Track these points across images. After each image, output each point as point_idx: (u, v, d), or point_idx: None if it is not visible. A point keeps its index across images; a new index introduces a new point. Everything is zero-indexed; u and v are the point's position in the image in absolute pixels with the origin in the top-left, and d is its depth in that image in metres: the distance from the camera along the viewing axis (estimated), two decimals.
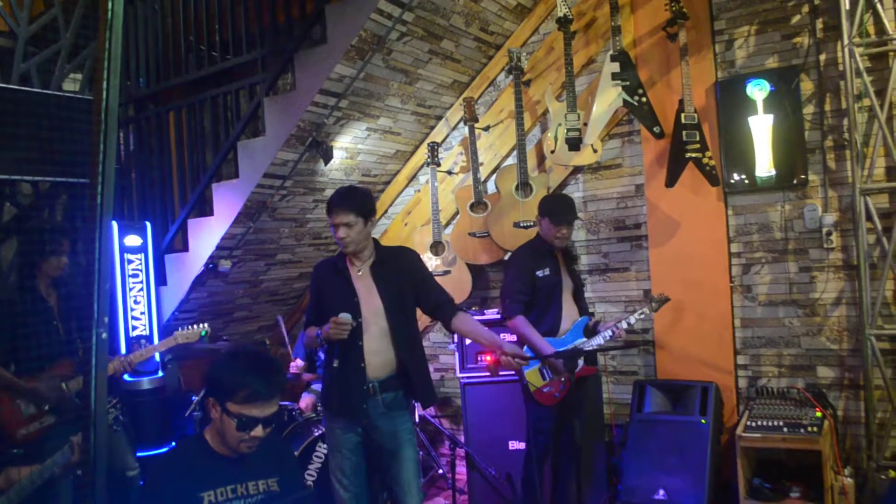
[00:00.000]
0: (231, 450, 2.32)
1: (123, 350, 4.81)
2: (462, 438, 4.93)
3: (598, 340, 4.02)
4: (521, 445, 4.55)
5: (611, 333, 4.01)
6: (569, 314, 4.16)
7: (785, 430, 4.00)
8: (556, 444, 4.16)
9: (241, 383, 2.26)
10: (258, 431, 2.27)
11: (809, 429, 3.94)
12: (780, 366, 4.45)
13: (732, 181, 4.53)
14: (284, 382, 2.37)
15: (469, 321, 3.60)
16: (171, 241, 5.44)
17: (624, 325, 4.01)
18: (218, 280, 5.33)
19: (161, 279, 5.35)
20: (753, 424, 4.09)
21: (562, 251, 4.26)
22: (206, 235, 5.11)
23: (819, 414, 4.03)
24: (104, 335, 1.49)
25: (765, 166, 4.41)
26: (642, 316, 4.05)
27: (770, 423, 4.06)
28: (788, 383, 4.38)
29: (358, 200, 3.41)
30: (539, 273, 4.11)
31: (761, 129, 4.41)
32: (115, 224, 5.18)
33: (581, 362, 4.06)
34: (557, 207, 4.16)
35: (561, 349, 3.90)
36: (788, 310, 4.42)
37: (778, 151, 4.38)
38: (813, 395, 4.17)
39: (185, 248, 5.26)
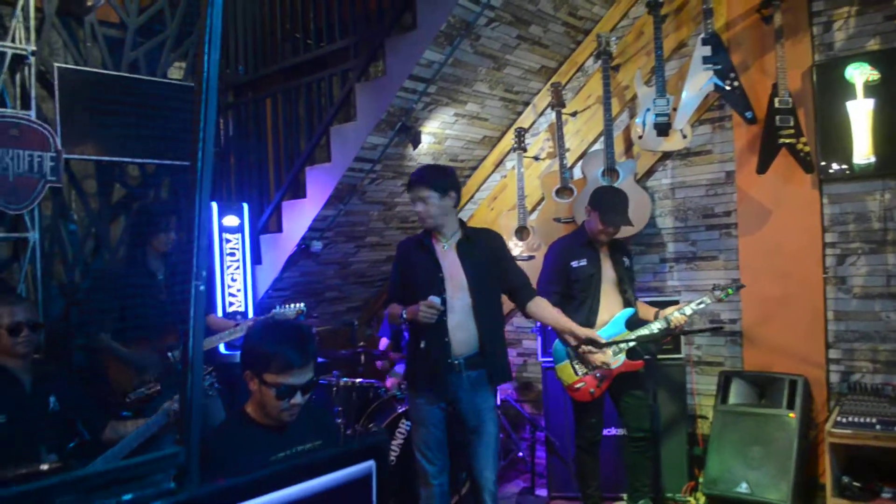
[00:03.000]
0: (273, 419, 2.38)
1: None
2: (542, 423, 4.96)
3: (642, 332, 3.90)
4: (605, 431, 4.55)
5: (661, 325, 3.90)
6: (608, 307, 4.05)
7: (878, 427, 3.85)
8: (627, 438, 4.12)
9: (274, 353, 2.31)
10: (297, 399, 2.33)
11: None
12: (875, 361, 4.28)
13: (828, 168, 4.36)
14: (317, 348, 2.43)
15: (544, 306, 3.65)
16: (267, 223, 5.67)
17: (678, 316, 3.90)
18: (309, 260, 5.53)
19: (256, 258, 5.58)
20: (844, 420, 3.96)
21: (609, 242, 4.16)
22: (299, 217, 5.30)
23: None
24: (202, 288, 1.60)
25: (863, 153, 4.23)
26: (702, 305, 3.93)
27: (862, 420, 3.91)
28: (884, 380, 4.21)
29: (431, 176, 3.55)
30: (574, 264, 4.05)
31: (860, 114, 4.24)
32: (214, 205, 5.44)
33: (623, 357, 3.93)
34: (611, 206, 4.04)
35: (606, 339, 3.83)
36: (885, 303, 4.24)
37: (878, 137, 4.19)
38: None
39: (280, 230, 5.47)
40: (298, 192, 5.45)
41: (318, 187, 5.20)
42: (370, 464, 1.54)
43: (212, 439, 2.61)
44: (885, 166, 4.20)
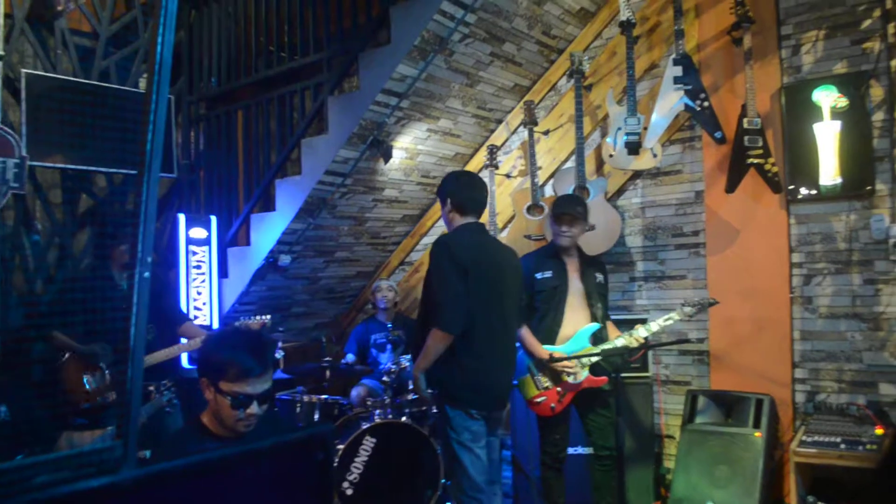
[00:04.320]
0: (229, 430, 2.28)
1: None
2: (509, 441, 4.90)
3: (606, 347, 3.87)
4: (569, 450, 4.50)
5: (623, 341, 3.88)
6: (573, 320, 4.00)
7: (842, 446, 3.84)
8: (594, 457, 4.09)
9: (230, 360, 2.22)
10: (254, 408, 2.24)
11: (868, 447, 3.78)
12: (840, 381, 4.29)
13: (795, 189, 4.40)
14: (275, 357, 2.35)
15: None
16: (235, 235, 5.61)
17: (643, 332, 3.87)
18: (277, 275, 5.46)
19: (223, 271, 5.52)
20: (809, 440, 3.95)
21: (579, 256, 4.14)
22: (268, 230, 5.25)
23: (880, 432, 3.85)
24: (146, 275, 1.55)
25: (830, 174, 4.27)
26: (669, 322, 3.90)
27: (827, 440, 3.90)
28: (848, 399, 4.22)
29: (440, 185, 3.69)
30: (538, 275, 4.03)
31: (827, 136, 4.28)
32: (181, 216, 5.38)
33: (585, 373, 3.90)
34: (561, 202, 4.08)
35: (568, 354, 3.83)
36: (851, 323, 4.26)
37: (844, 160, 4.24)
38: (874, 413, 4.00)
39: (248, 243, 5.41)
40: (268, 204, 5.41)
41: (288, 200, 5.16)
42: (316, 453, 1.50)
43: (165, 450, 2.52)
44: (850, 188, 4.24)
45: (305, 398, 4.80)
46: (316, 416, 4.79)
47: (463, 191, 3.55)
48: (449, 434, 3.44)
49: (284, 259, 5.34)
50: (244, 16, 5.75)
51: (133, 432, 1.61)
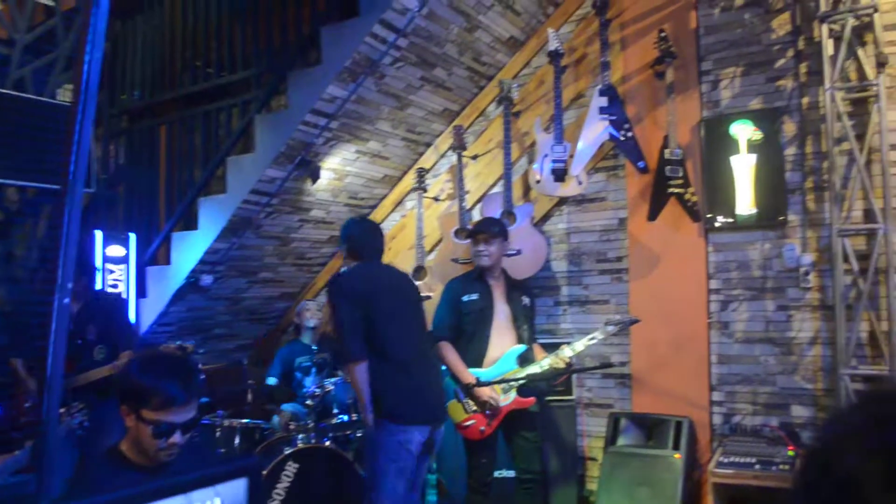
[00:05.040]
0: (150, 459, 2.18)
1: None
2: (434, 465, 4.87)
3: (533, 370, 3.93)
4: (496, 473, 4.52)
5: (551, 361, 3.93)
6: (500, 343, 4.05)
7: (757, 467, 3.97)
8: (517, 480, 4.12)
9: (154, 387, 2.12)
10: (177, 438, 2.14)
11: (782, 467, 3.91)
12: (755, 403, 4.44)
13: (713, 218, 4.57)
14: (201, 385, 2.26)
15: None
16: (155, 254, 5.44)
17: (568, 352, 3.94)
18: (198, 295, 5.32)
19: (142, 291, 5.34)
20: (726, 461, 4.07)
21: (505, 280, 4.20)
22: (190, 249, 5.11)
23: (792, 452, 4.00)
24: (66, 301, 1.48)
25: (746, 205, 4.46)
26: (594, 341, 3.98)
27: (743, 460, 4.03)
28: (763, 421, 4.37)
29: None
30: (465, 298, 4.08)
31: (743, 168, 4.48)
32: (99, 233, 5.19)
33: (513, 394, 3.95)
34: (477, 224, 4.21)
35: (491, 378, 3.88)
36: (764, 348, 4.43)
37: (759, 191, 4.44)
38: (786, 434, 4.16)
39: (168, 262, 5.26)
40: (190, 223, 5.28)
41: (211, 219, 5.05)
42: (243, 481, 1.46)
43: (82, 481, 2.39)
44: (764, 218, 4.44)
45: (226, 423, 4.67)
46: (236, 441, 4.66)
47: (359, 239, 3.73)
48: (378, 455, 3.43)
49: (206, 279, 5.21)
50: (170, 29, 5.64)
51: (48, 465, 1.53)
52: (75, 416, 3.71)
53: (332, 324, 3.71)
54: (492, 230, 4.09)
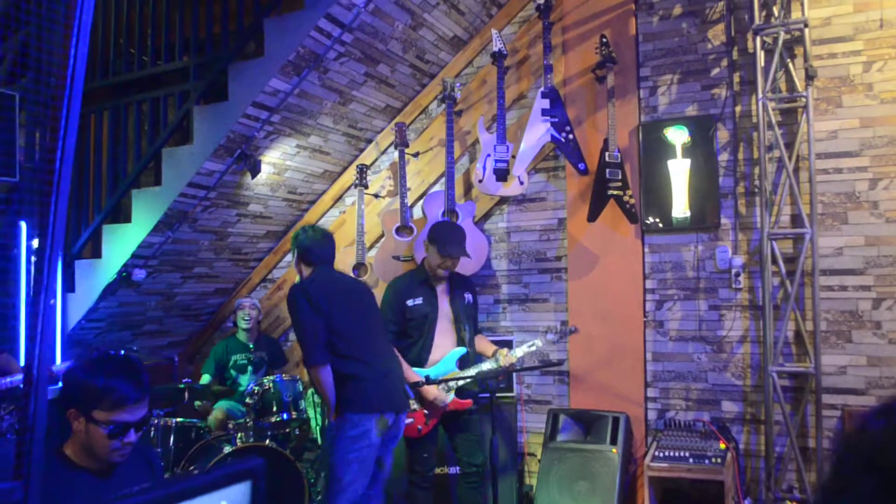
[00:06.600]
0: (100, 461, 2.15)
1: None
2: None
3: (471, 372, 4.08)
4: (444, 469, 4.58)
5: (492, 365, 4.09)
6: (442, 345, 4.17)
7: (690, 460, 4.14)
8: (461, 474, 4.21)
9: (106, 387, 2.09)
10: (131, 437, 2.13)
11: (713, 460, 4.09)
12: (687, 399, 4.62)
13: (650, 220, 4.72)
14: (150, 381, 2.23)
15: None
16: (83, 247, 5.24)
17: (508, 354, 4.11)
18: (130, 290, 5.16)
19: (69, 285, 5.13)
20: (660, 455, 4.22)
21: (449, 278, 4.28)
22: (122, 242, 4.96)
23: (722, 446, 4.19)
24: (52, 301, 1.44)
25: (681, 208, 4.62)
26: (532, 348, 4.17)
27: (676, 454, 4.19)
28: (695, 416, 4.55)
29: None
30: (410, 303, 4.15)
31: (679, 172, 4.64)
32: (23, 224, 4.96)
33: (451, 395, 4.08)
34: (449, 238, 4.14)
35: (434, 378, 3.97)
36: (697, 346, 4.61)
37: (693, 195, 4.61)
38: (717, 429, 4.34)
39: (98, 255, 5.08)
40: (122, 216, 5.11)
41: (145, 212, 4.91)
42: (247, 485, 1.44)
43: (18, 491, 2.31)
44: (698, 221, 4.61)
45: (161, 422, 4.56)
46: (171, 441, 4.55)
47: (311, 247, 3.80)
48: (339, 449, 3.48)
49: (139, 273, 5.05)
50: (102, 13, 5.43)
51: (36, 472, 1.48)
52: (5, 418, 3.58)
53: (294, 331, 3.78)
54: (466, 253, 4.18)
